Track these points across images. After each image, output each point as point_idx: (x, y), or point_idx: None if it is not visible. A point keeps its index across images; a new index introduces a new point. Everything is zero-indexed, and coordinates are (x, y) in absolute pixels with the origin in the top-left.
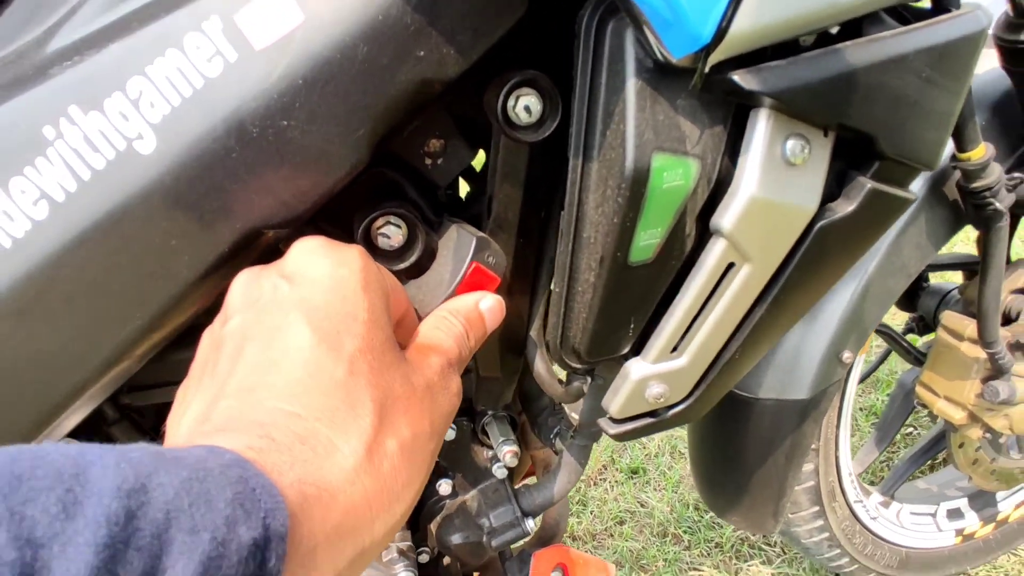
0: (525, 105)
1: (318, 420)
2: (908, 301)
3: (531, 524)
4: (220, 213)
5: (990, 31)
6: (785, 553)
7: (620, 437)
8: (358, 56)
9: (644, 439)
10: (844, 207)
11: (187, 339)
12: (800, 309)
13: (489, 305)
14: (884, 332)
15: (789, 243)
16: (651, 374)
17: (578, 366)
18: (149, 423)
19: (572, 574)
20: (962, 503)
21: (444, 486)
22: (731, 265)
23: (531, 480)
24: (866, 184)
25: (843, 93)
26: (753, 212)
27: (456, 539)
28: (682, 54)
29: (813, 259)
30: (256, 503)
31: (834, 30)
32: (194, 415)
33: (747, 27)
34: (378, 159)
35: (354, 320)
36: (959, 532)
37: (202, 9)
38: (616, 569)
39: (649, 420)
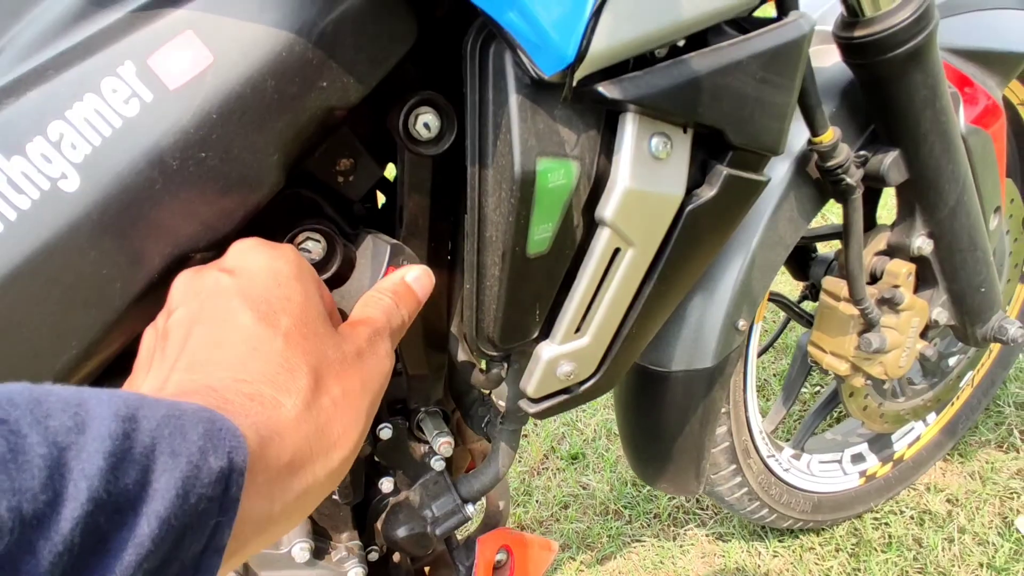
0: (424, 122)
1: (262, 383)
2: (800, 271)
3: (471, 509)
4: (149, 241)
5: (830, 30)
6: (717, 515)
7: (540, 415)
8: (267, 89)
9: (581, 425)
10: (707, 192)
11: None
12: (684, 283)
13: (415, 275)
14: (778, 300)
15: (664, 227)
16: (559, 354)
17: (494, 353)
18: None
19: (516, 554)
20: (863, 448)
21: (386, 484)
22: (617, 250)
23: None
24: (723, 171)
25: (694, 95)
26: (630, 202)
27: (402, 532)
28: (552, 72)
29: (688, 239)
30: (222, 440)
31: (681, 43)
32: (148, 389)
33: (604, 46)
34: (294, 180)
35: (288, 301)
36: (862, 474)
37: (117, 54)
38: (557, 545)
39: (564, 397)
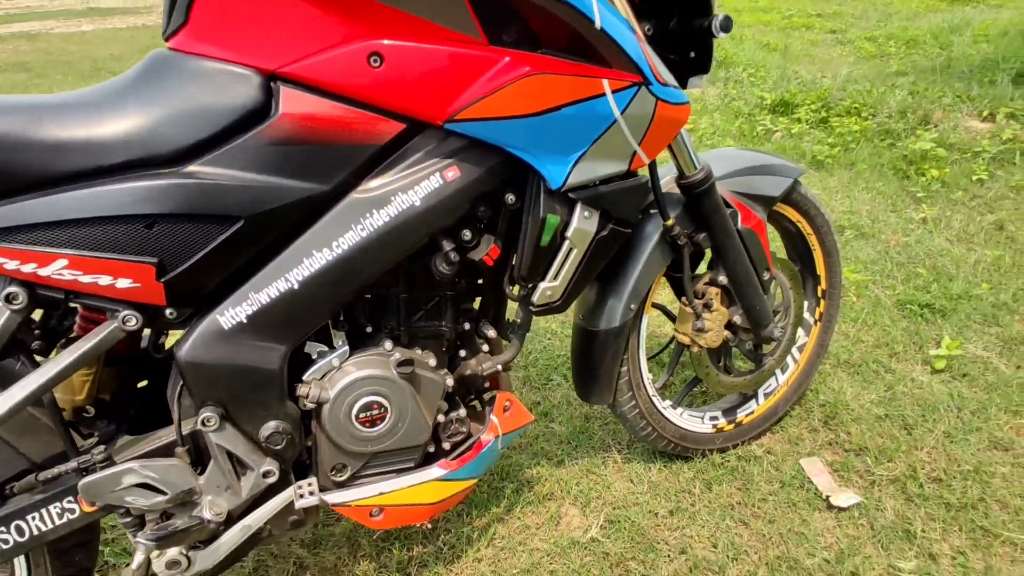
0: (510, 198)
1: None
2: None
3: (499, 368)
4: (430, 222)
5: (675, 181)
6: (628, 448)
7: (538, 314)
8: (456, 205)
9: (551, 396)
10: (603, 232)
11: None
12: (595, 268)
13: None
14: (661, 308)
15: (588, 242)
16: (547, 287)
17: (523, 283)
18: None
19: (513, 406)
20: (719, 413)
21: (462, 353)
22: (572, 250)
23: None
24: (610, 225)
25: (599, 198)
26: (575, 232)
27: (467, 373)
28: (554, 188)
29: (597, 248)
30: None
31: (598, 181)
32: None
33: (572, 182)
34: (467, 211)
35: None
36: (715, 426)
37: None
38: (534, 418)
39: (547, 307)
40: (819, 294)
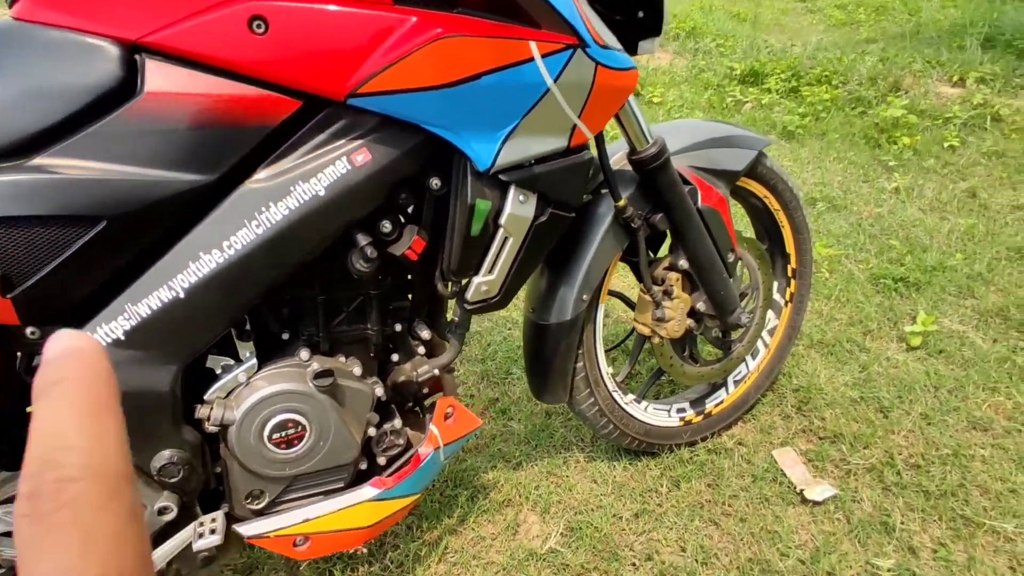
0: (435, 183)
1: None
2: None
3: (437, 372)
4: (339, 214)
5: (628, 157)
6: (592, 446)
7: (472, 312)
8: (368, 187)
9: (510, 392)
10: (542, 217)
11: None
12: (537, 257)
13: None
14: (618, 295)
15: (525, 229)
16: (482, 281)
17: (455, 279)
18: None
19: (456, 412)
20: (686, 404)
21: (394, 356)
22: (507, 238)
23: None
24: (549, 210)
25: (536, 179)
26: (510, 219)
27: (400, 379)
28: (482, 169)
29: (536, 236)
30: None
31: (533, 160)
32: None
33: (501, 162)
34: (385, 201)
35: None
36: (682, 419)
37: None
38: (481, 421)
39: (483, 304)
40: (789, 273)
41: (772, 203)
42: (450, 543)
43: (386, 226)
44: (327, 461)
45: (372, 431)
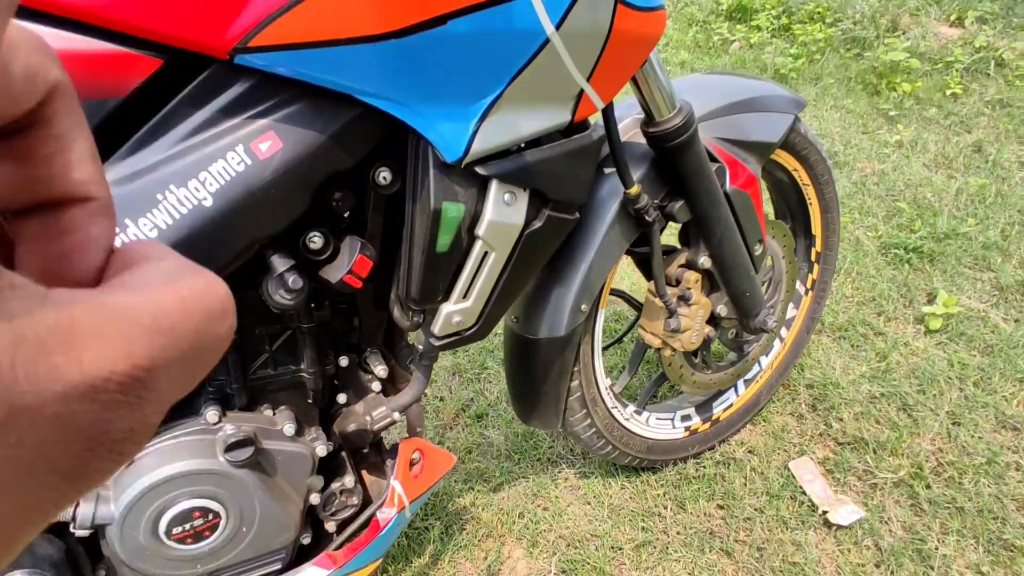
0: (384, 176)
1: None
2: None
3: (397, 416)
4: (238, 231)
5: (640, 126)
6: (583, 459)
7: (441, 348)
8: (306, 164)
9: (487, 393)
10: (537, 223)
11: None
12: (528, 275)
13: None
14: (621, 295)
15: (512, 241)
16: (454, 310)
17: (416, 308)
18: None
19: (425, 456)
20: (691, 411)
21: (341, 397)
22: (487, 253)
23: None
24: (546, 212)
25: (527, 171)
26: (492, 228)
27: (350, 428)
28: (451, 160)
29: (526, 249)
30: None
31: (524, 144)
32: None
33: (478, 148)
34: (311, 205)
35: None
36: (687, 428)
37: (234, 142)
38: (455, 457)
39: (456, 338)
40: (812, 258)
41: (801, 177)
42: None
43: (315, 241)
44: (254, 549)
45: (315, 498)
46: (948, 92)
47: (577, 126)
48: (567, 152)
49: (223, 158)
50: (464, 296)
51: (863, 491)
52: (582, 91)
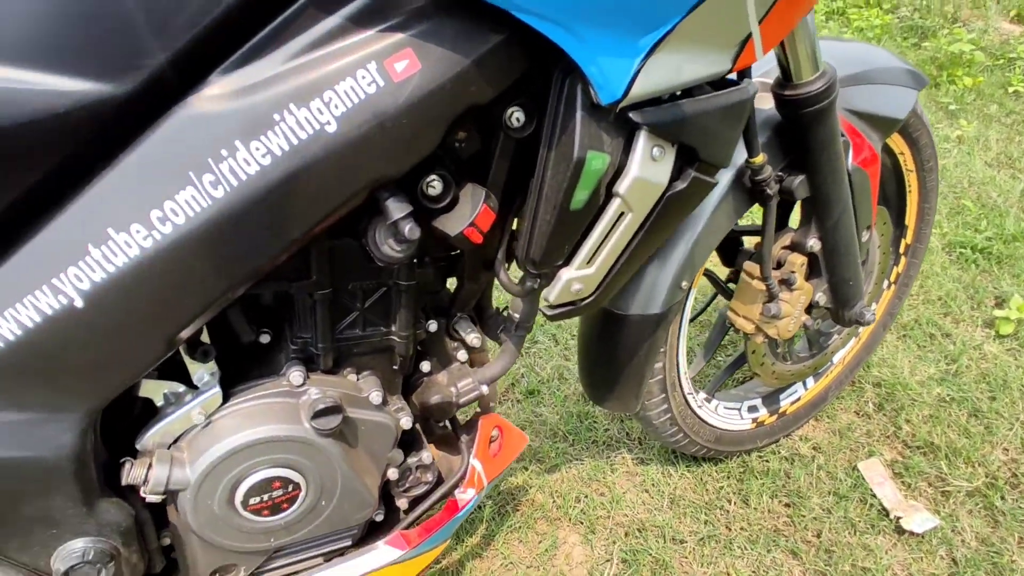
0: (516, 117)
1: None
2: (728, 260)
3: (485, 389)
4: (361, 167)
5: (771, 87)
6: (641, 444)
7: (553, 318)
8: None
9: (538, 368)
10: (680, 185)
11: None
12: (656, 242)
13: None
14: (710, 276)
15: (652, 202)
16: (574, 277)
17: (534, 271)
18: None
19: (504, 434)
20: (758, 402)
21: (425, 365)
22: (622, 214)
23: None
24: (691, 173)
25: (680, 124)
26: (635, 185)
27: (433, 400)
28: (607, 102)
29: (664, 213)
30: None
31: (678, 92)
32: None
33: (638, 91)
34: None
35: None
36: (754, 420)
37: (366, 57)
38: (528, 438)
39: (570, 307)
40: (901, 249)
41: (907, 162)
42: (474, 570)
43: (434, 186)
44: (330, 524)
45: (392, 472)
46: (1011, 90)
47: (727, 81)
48: (723, 107)
49: (352, 76)
50: (588, 262)
51: (935, 498)
52: (748, 36)
